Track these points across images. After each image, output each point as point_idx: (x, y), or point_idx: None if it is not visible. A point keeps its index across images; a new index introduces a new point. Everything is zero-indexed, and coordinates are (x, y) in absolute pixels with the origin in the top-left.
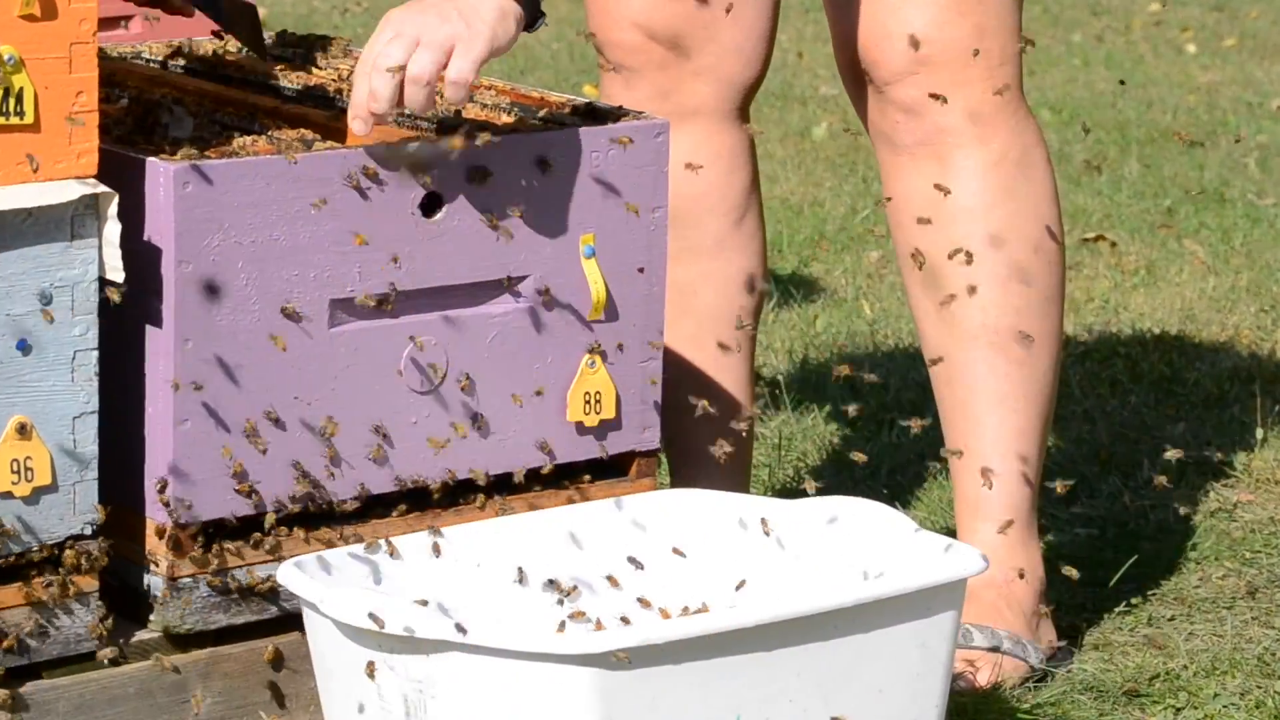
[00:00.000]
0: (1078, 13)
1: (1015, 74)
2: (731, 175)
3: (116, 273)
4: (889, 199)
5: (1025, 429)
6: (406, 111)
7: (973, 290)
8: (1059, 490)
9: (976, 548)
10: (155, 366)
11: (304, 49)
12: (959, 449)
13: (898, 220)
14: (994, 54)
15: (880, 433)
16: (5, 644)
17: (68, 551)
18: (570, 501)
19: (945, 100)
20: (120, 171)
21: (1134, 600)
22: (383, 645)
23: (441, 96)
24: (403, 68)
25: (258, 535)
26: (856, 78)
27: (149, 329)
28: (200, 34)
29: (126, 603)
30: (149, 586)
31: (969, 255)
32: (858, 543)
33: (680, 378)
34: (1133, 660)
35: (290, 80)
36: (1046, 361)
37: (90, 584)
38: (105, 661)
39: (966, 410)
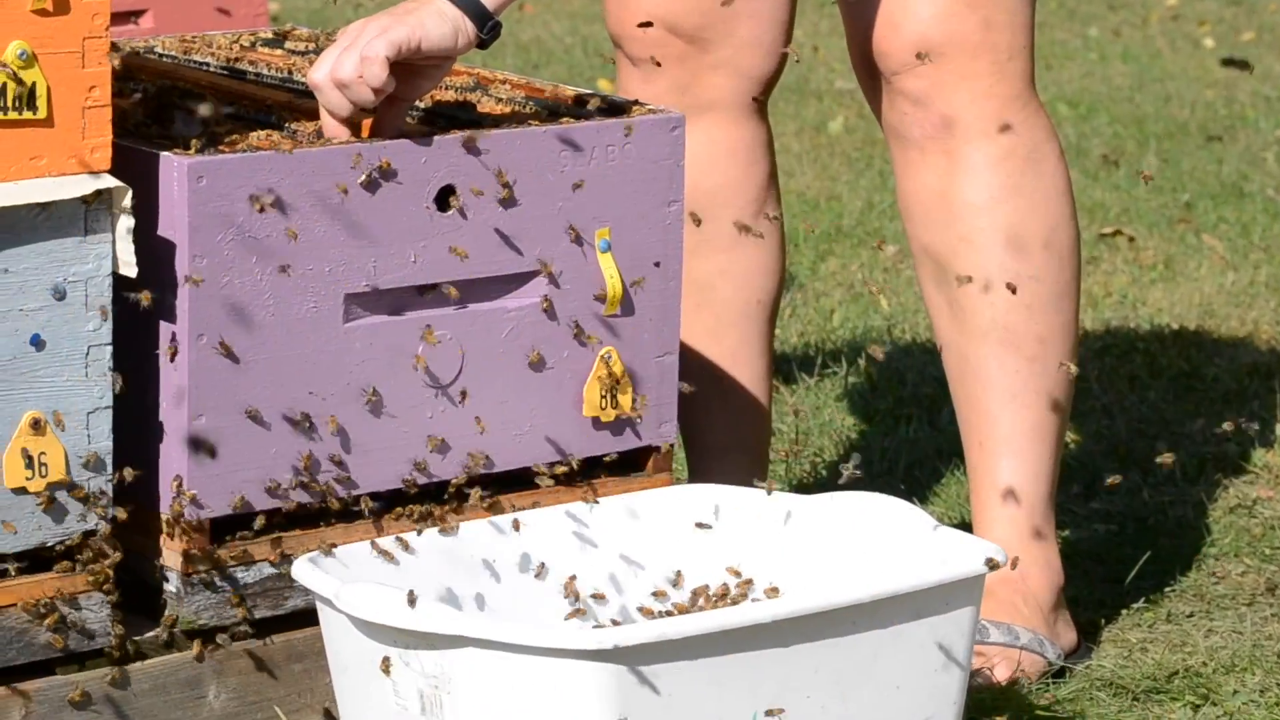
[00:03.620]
0: (1095, 7)
1: (1024, 69)
2: (750, 169)
3: (130, 268)
4: (900, 194)
5: (1039, 425)
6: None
7: (985, 288)
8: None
9: (993, 544)
10: (168, 361)
11: (318, 44)
12: (976, 454)
13: (908, 215)
14: (1001, 48)
15: (898, 427)
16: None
17: (82, 547)
18: (586, 497)
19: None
20: (134, 166)
21: (1152, 596)
22: (398, 641)
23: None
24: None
25: (272, 531)
26: (869, 71)
27: (163, 324)
28: (214, 28)
29: (141, 598)
30: (163, 582)
31: (978, 252)
32: (875, 538)
33: (698, 372)
34: (1151, 657)
35: (304, 74)
36: (1060, 357)
37: (103, 580)
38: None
39: (980, 407)
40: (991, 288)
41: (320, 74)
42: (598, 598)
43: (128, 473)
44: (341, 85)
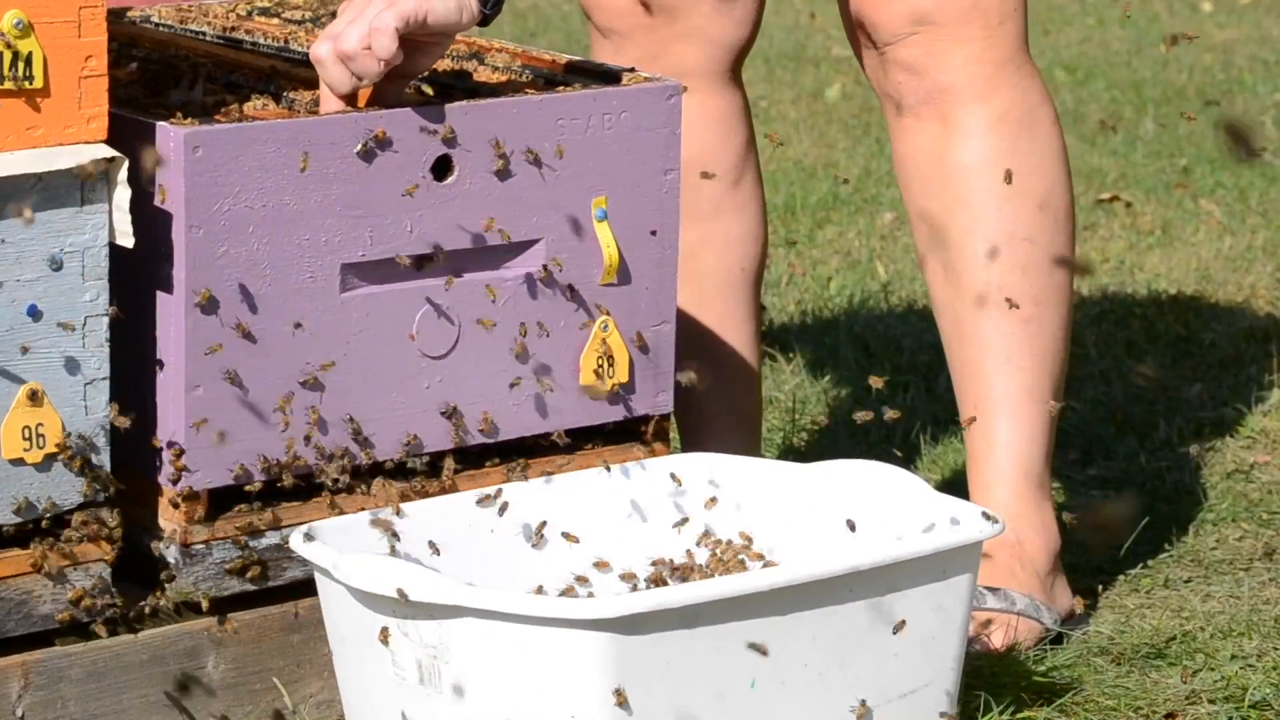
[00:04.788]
0: None
1: (1016, 32)
2: (727, 137)
3: (126, 238)
4: (896, 159)
5: (1034, 388)
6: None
7: (979, 250)
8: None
9: (989, 509)
10: (166, 332)
11: (313, 13)
12: (972, 414)
13: (904, 180)
14: (992, 12)
15: (894, 396)
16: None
17: (80, 518)
18: (584, 466)
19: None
20: (130, 136)
21: (1150, 562)
22: (396, 611)
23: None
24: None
25: (270, 501)
26: (863, 40)
27: (160, 294)
28: None
29: (139, 569)
30: (162, 553)
31: (973, 212)
32: (872, 506)
33: (686, 342)
34: (1149, 622)
35: (301, 44)
36: (1055, 320)
37: (102, 551)
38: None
39: (975, 370)
40: (986, 249)
41: (324, 49)
42: (596, 566)
43: (125, 442)
44: (346, 58)
